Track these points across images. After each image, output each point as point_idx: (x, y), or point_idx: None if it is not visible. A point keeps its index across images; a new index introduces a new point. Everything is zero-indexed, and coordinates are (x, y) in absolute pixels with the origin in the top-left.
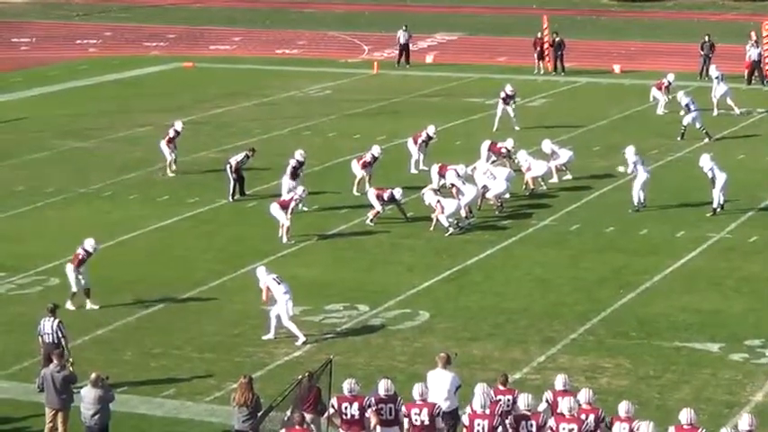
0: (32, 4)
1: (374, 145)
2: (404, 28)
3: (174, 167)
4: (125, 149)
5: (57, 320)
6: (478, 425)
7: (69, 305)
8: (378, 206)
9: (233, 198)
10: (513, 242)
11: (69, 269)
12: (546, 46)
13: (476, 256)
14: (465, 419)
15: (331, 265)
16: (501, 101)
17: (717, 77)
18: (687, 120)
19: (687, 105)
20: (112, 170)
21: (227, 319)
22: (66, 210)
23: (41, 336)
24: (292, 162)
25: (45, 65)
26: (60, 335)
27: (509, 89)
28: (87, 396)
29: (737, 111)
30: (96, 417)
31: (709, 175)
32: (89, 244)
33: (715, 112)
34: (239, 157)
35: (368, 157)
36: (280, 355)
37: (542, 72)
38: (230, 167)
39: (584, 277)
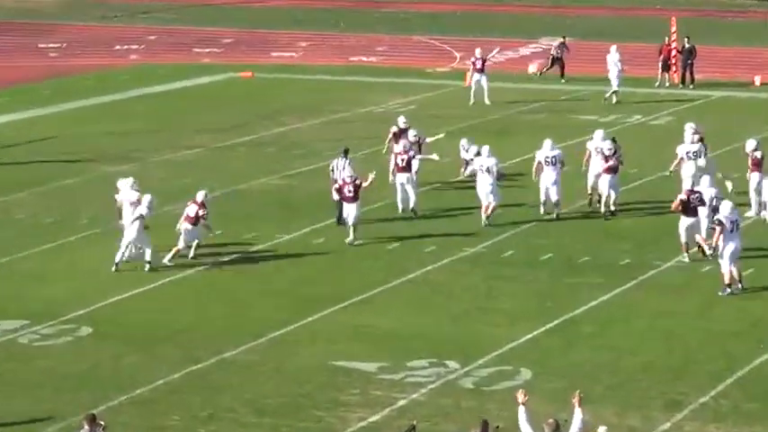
0: (64, 4)
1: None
2: (563, 38)
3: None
4: (171, 175)
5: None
6: None
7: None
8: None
9: (340, 221)
10: (631, 286)
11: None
12: (674, 53)
13: (587, 304)
14: None
15: (414, 312)
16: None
17: None
18: None
19: None
20: (157, 199)
21: (291, 376)
22: (101, 246)
23: None
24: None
25: (78, 74)
26: None
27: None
28: None
29: None
30: None
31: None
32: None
33: None
34: (340, 164)
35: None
36: (354, 419)
37: (667, 84)
38: (341, 183)
39: (716, 329)
